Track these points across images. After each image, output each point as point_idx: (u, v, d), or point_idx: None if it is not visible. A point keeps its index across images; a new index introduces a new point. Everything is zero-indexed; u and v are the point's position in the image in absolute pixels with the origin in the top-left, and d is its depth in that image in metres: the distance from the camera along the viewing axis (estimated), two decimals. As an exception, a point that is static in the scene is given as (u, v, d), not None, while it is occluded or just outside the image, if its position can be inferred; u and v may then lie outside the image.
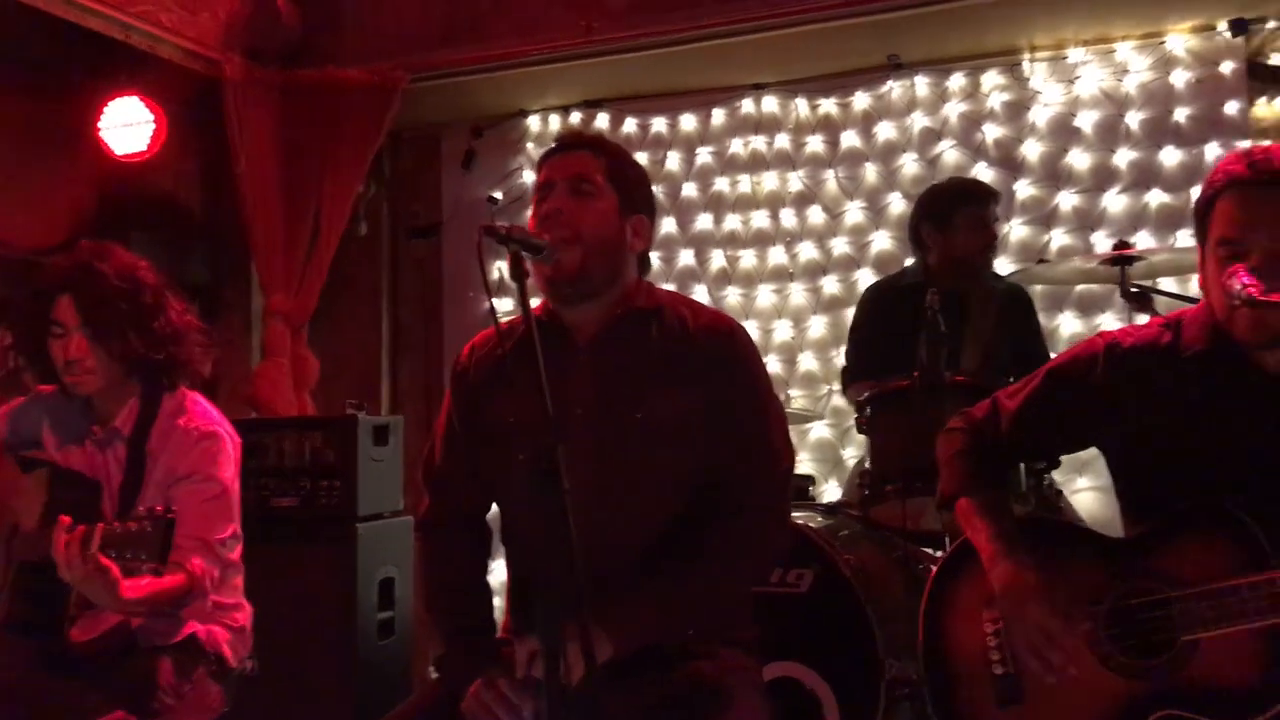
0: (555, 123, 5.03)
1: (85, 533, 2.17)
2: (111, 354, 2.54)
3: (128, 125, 4.30)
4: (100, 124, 4.31)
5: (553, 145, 2.21)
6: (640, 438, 2.02)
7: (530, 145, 5.04)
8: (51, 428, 2.70)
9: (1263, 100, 4.20)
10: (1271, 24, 4.16)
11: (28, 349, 2.62)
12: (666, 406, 2.03)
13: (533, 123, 5.07)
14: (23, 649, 2.49)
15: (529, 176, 4.97)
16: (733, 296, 4.77)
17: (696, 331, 2.10)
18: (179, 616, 2.57)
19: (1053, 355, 3.10)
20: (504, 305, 4.77)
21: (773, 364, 4.66)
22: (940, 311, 2.97)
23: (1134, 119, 4.31)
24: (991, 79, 4.49)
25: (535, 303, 2.08)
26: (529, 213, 2.15)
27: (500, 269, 4.73)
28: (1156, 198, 4.26)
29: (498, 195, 5.08)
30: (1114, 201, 4.31)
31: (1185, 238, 4.12)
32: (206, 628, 2.61)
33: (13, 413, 2.77)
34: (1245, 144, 4.05)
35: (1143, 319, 3.08)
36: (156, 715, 2.44)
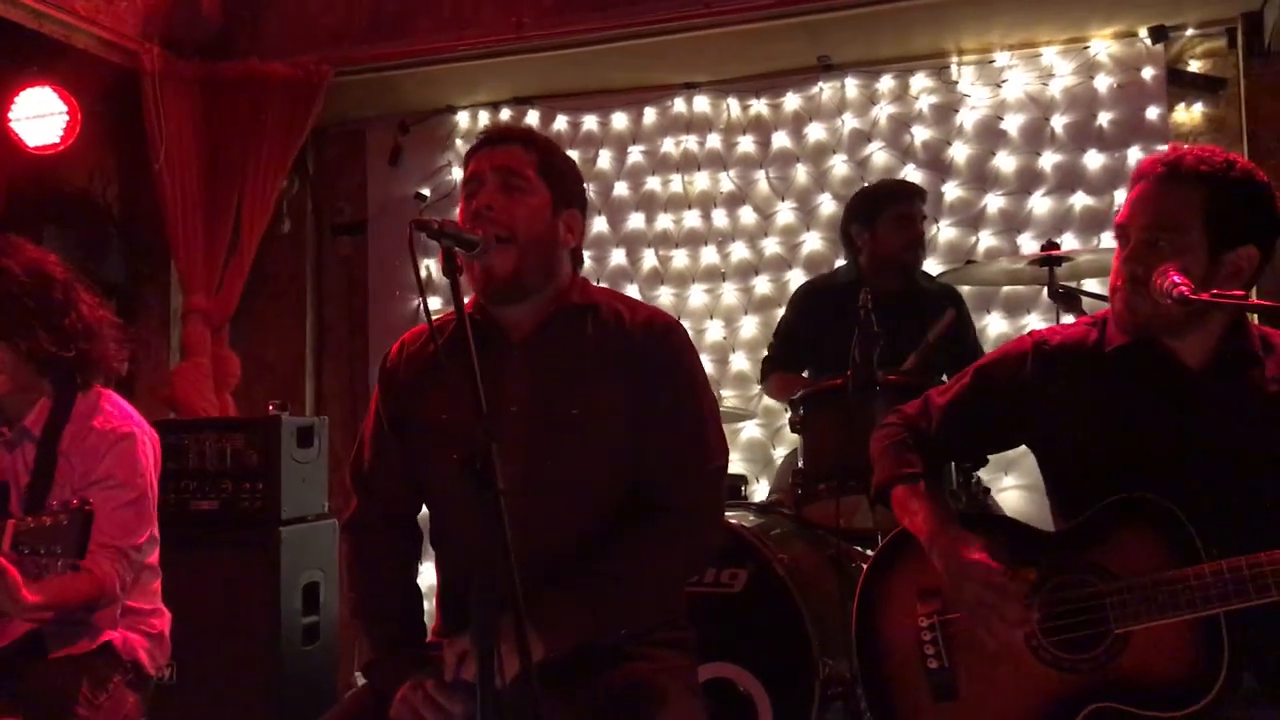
0: (485, 119, 4.98)
1: None
2: (19, 354, 2.44)
3: (40, 116, 4.16)
4: (10, 115, 4.16)
5: (481, 138, 2.16)
6: (575, 434, 1.99)
7: (459, 142, 4.98)
8: None
9: (1181, 106, 4.29)
10: (1190, 32, 4.26)
11: None
12: (601, 402, 2.00)
13: (462, 119, 5.01)
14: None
15: (458, 173, 4.90)
16: (665, 296, 4.76)
17: (632, 327, 2.07)
18: (93, 624, 2.48)
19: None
20: (434, 303, 4.70)
21: (705, 364, 4.61)
22: (873, 311, 2.98)
23: (1059, 122, 4.38)
24: (920, 81, 4.53)
25: (466, 299, 2.03)
26: (458, 209, 2.11)
27: (430, 266, 4.66)
28: (1081, 200, 4.33)
29: (425, 192, 5.01)
30: (1040, 204, 4.38)
31: (1109, 239, 4.19)
32: (123, 635, 2.53)
33: None
34: (1165, 148, 4.13)
35: (1069, 319, 3.12)
36: (70, 727, 2.35)
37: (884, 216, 3.77)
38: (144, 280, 4.92)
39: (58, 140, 4.18)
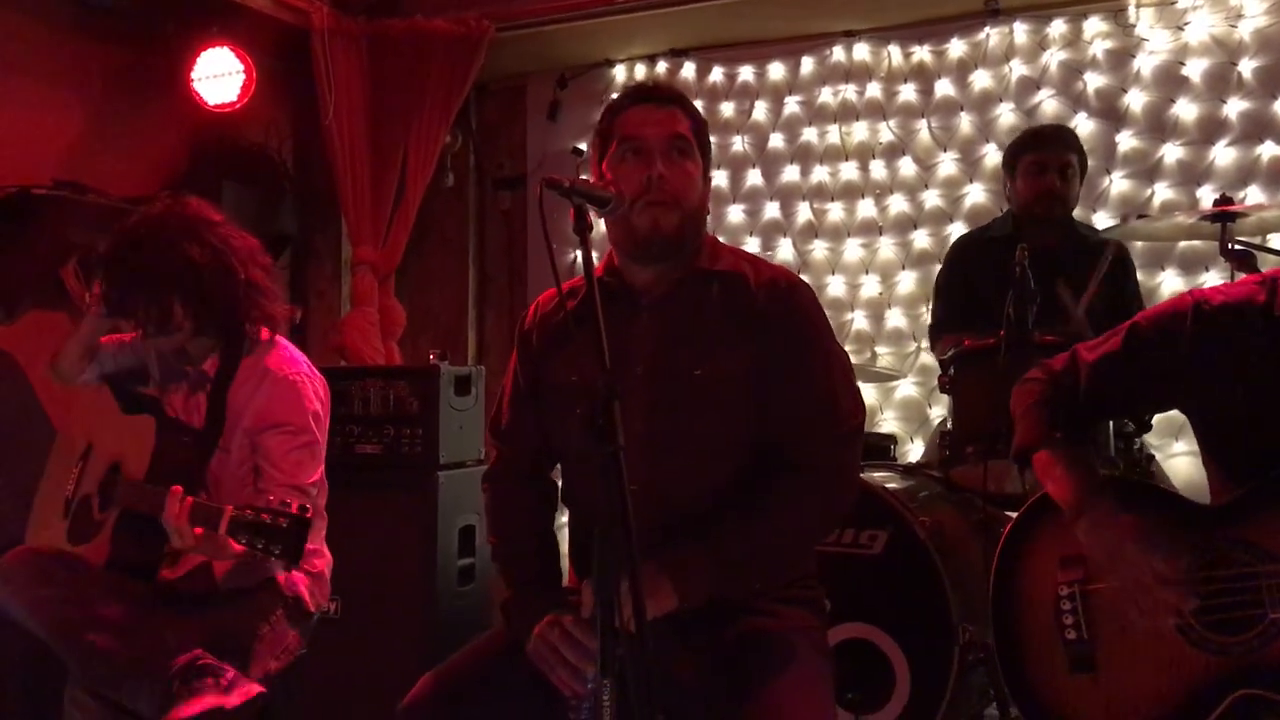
0: (641, 72, 4.96)
1: (210, 511, 2.22)
2: (188, 311, 2.58)
3: (219, 76, 4.34)
4: (193, 74, 4.35)
5: (637, 93, 2.14)
6: (698, 395, 1.99)
7: (615, 96, 4.97)
8: (156, 363, 2.77)
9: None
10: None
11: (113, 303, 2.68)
12: (727, 363, 2.00)
13: (618, 72, 5.01)
14: (115, 587, 2.57)
15: (614, 128, 4.90)
16: (819, 250, 4.68)
17: (757, 288, 2.06)
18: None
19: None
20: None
21: (859, 320, 4.58)
22: (1029, 267, 2.87)
23: (1247, 67, 4.09)
24: (1094, 26, 4.30)
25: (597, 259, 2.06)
26: (601, 161, 2.12)
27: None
28: (1270, 150, 4.05)
29: (582, 146, 5.04)
30: (1223, 154, 4.11)
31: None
32: (285, 572, 2.66)
33: (120, 343, 2.85)
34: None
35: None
36: (234, 654, 2.50)
37: (1021, 164, 3.64)
38: (316, 232, 5.13)
39: (235, 98, 4.35)
